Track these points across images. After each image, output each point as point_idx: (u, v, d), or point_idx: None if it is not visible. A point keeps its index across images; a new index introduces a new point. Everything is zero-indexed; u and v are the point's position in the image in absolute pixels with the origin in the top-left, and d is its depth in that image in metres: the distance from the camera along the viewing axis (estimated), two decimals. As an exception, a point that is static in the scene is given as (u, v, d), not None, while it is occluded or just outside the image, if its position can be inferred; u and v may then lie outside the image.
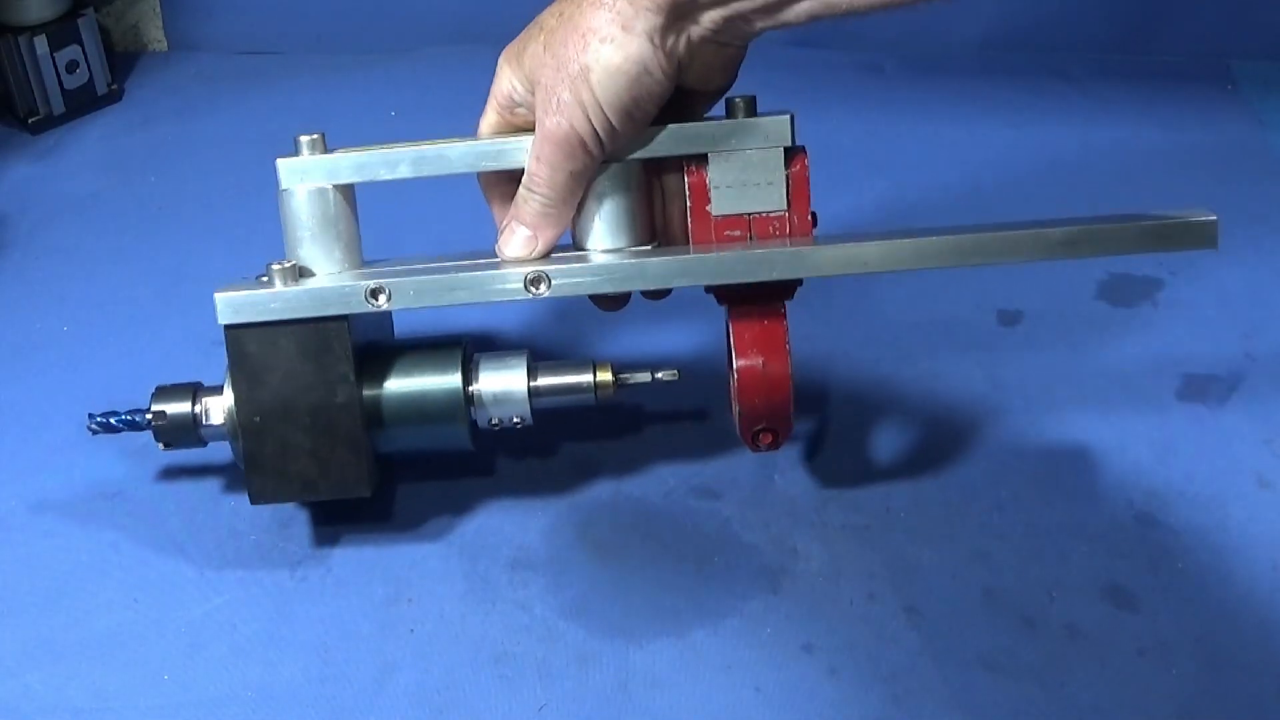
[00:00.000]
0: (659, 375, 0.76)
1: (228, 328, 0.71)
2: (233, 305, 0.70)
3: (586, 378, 0.75)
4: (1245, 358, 0.89)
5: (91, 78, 1.19)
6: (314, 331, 0.70)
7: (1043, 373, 0.88)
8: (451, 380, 0.74)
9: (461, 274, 0.69)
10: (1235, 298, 0.95)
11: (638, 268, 0.69)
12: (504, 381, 0.74)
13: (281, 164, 0.71)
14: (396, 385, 0.74)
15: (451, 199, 0.82)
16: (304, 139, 0.71)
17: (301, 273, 0.71)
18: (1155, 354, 0.90)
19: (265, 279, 0.71)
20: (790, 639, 0.72)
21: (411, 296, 0.69)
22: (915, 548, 0.77)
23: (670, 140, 0.69)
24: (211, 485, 0.82)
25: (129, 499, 0.81)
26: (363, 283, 0.69)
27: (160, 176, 1.12)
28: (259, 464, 0.72)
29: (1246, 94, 1.18)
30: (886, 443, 0.83)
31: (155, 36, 1.30)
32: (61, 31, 1.15)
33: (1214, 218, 0.68)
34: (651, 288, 0.71)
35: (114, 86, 1.22)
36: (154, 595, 0.76)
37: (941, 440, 0.83)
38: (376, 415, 0.74)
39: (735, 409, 0.73)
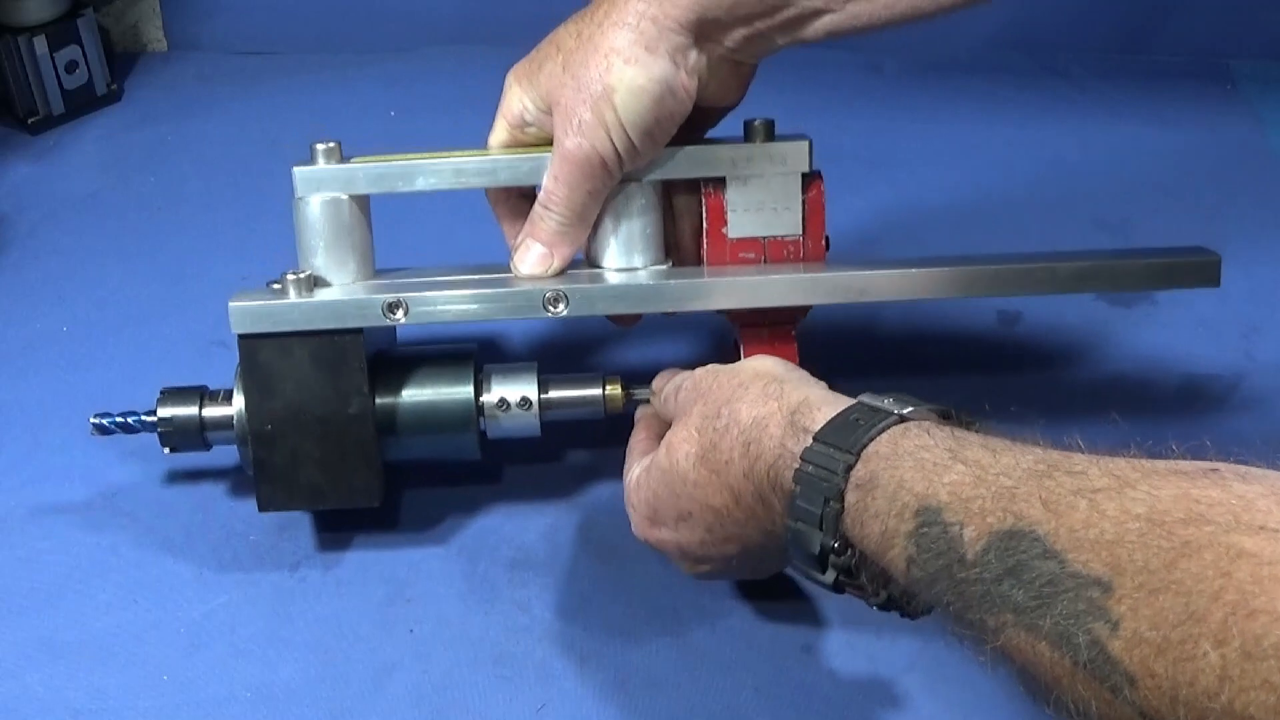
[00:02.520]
0: None
1: (242, 336, 0.70)
2: (248, 315, 0.69)
3: (595, 391, 0.76)
4: (1245, 358, 0.89)
5: (91, 78, 1.19)
6: (329, 343, 0.70)
7: (1043, 372, 0.88)
8: (463, 392, 0.74)
9: (480, 290, 0.69)
10: (1235, 298, 0.95)
11: (654, 290, 0.70)
12: (514, 394, 0.74)
13: (298, 173, 0.70)
14: (409, 396, 0.74)
15: (459, 201, 0.82)
16: (320, 147, 0.71)
17: (316, 282, 0.71)
18: (1155, 354, 0.90)
19: (278, 286, 0.70)
20: (790, 639, 0.72)
21: (429, 313, 0.69)
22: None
23: (689, 163, 0.70)
24: (211, 486, 0.82)
25: (129, 499, 0.81)
26: (380, 296, 0.69)
27: (160, 176, 1.12)
28: (268, 472, 0.73)
29: (1246, 94, 1.18)
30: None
31: (155, 36, 1.30)
32: (61, 31, 1.15)
33: (1217, 257, 0.71)
34: (666, 310, 0.72)
35: (113, 86, 1.22)
36: (154, 595, 0.76)
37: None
38: (388, 425, 0.74)
39: None
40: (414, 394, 0.74)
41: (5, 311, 0.98)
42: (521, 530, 0.79)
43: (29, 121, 1.17)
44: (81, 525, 0.80)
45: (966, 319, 0.94)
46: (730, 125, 0.73)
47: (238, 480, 0.81)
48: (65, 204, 1.09)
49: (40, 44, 1.14)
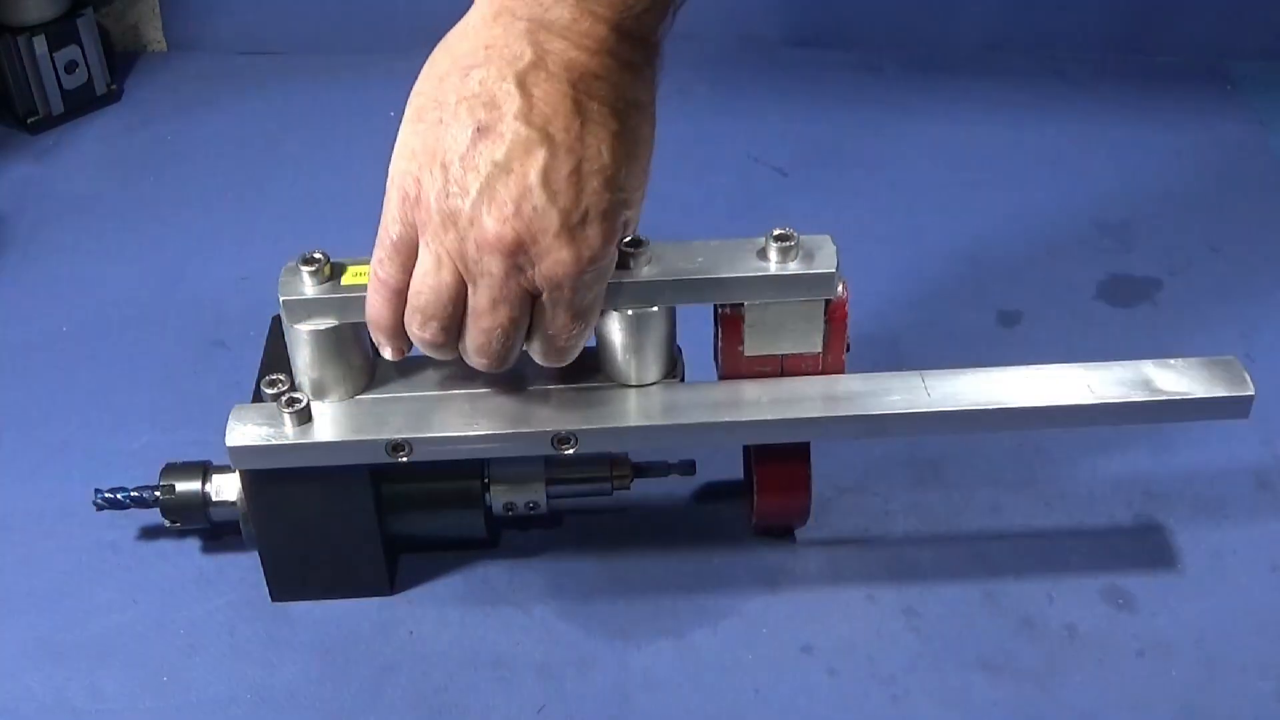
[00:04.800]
0: (675, 472, 0.77)
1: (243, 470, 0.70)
2: (247, 455, 0.68)
3: (603, 471, 0.75)
4: (1245, 358, 0.89)
5: (90, 78, 1.19)
6: (332, 476, 0.69)
7: (1043, 373, 0.88)
8: (475, 519, 0.74)
9: (488, 429, 0.67)
10: (1235, 298, 0.95)
11: (667, 432, 0.68)
12: (522, 499, 0.74)
13: (285, 302, 0.66)
14: (419, 519, 0.74)
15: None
16: (305, 269, 0.66)
17: (315, 392, 0.69)
18: (1155, 354, 0.89)
19: (273, 396, 0.68)
20: (790, 639, 0.72)
21: (435, 452, 0.68)
22: (915, 548, 0.77)
23: (706, 290, 0.67)
24: (211, 485, 0.82)
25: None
26: (384, 436, 0.67)
27: (160, 176, 1.12)
28: (278, 572, 0.74)
29: (1246, 94, 1.18)
30: (886, 442, 0.83)
31: (154, 37, 1.30)
32: (61, 31, 1.15)
33: (1251, 393, 0.70)
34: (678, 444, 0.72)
35: (113, 86, 1.21)
36: (154, 595, 0.76)
37: (941, 440, 0.83)
38: (399, 539, 0.75)
39: (752, 520, 0.76)
40: (424, 516, 0.74)
41: (5, 311, 0.98)
42: (522, 531, 0.79)
43: (29, 121, 1.17)
44: (81, 525, 0.79)
45: (967, 319, 0.94)
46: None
47: (238, 480, 0.81)
48: (65, 204, 1.09)
49: (40, 44, 1.14)
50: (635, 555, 0.77)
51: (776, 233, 0.66)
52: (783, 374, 0.70)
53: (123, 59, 1.27)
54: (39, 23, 1.14)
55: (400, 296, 0.62)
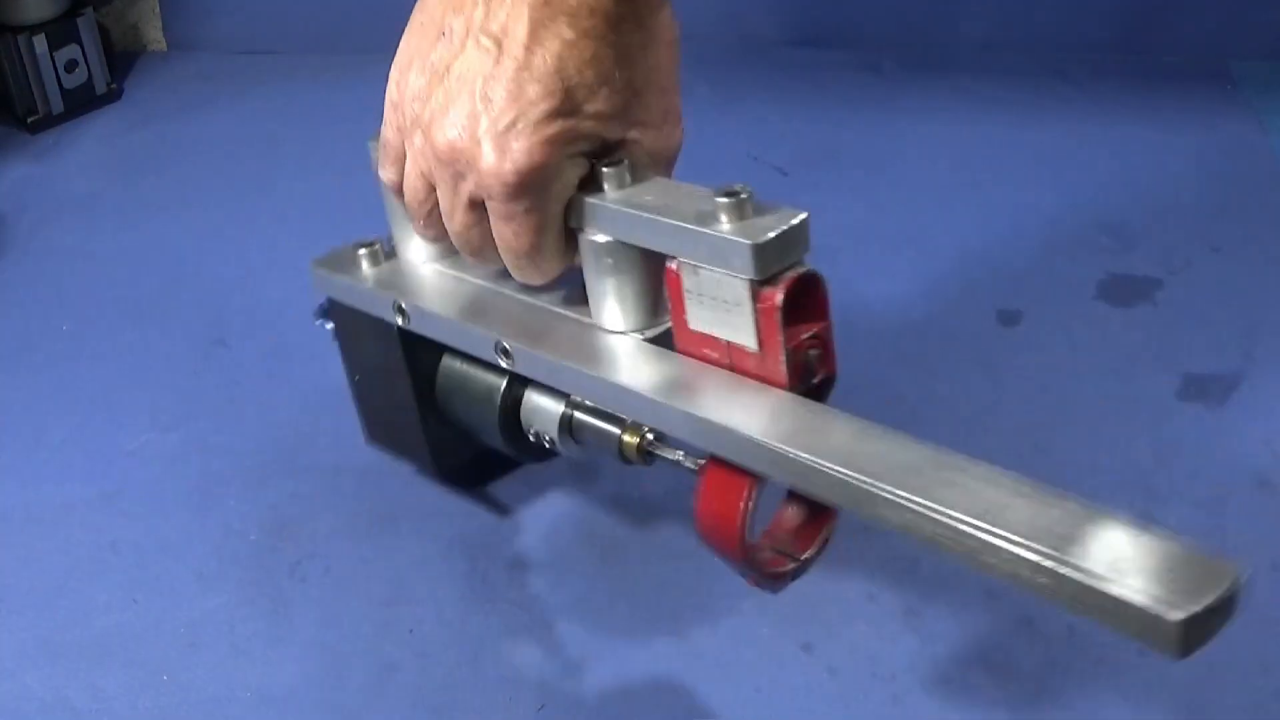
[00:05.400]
0: (685, 463, 0.69)
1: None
2: (319, 279, 0.74)
3: (615, 430, 0.69)
4: (1245, 358, 0.89)
5: (90, 77, 1.19)
6: (371, 320, 0.72)
7: (1043, 373, 0.88)
8: (490, 414, 0.72)
9: (446, 317, 0.68)
10: (1235, 297, 0.95)
11: (576, 377, 0.63)
12: (545, 404, 0.71)
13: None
14: (447, 399, 0.73)
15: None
16: None
17: (390, 253, 0.73)
18: (1155, 354, 0.90)
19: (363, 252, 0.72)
20: (790, 639, 0.72)
21: (423, 325, 0.69)
22: (915, 548, 0.77)
23: (643, 231, 0.59)
24: (211, 485, 0.82)
25: (129, 499, 0.81)
26: (391, 295, 0.70)
27: (160, 176, 1.12)
28: (365, 413, 0.78)
29: (1246, 94, 1.18)
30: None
31: (154, 36, 1.30)
32: (61, 31, 1.15)
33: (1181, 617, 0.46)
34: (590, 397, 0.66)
35: (113, 86, 1.22)
36: (153, 595, 0.76)
37: (941, 440, 0.83)
38: (436, 414, 0.74)
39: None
40: (452, 399, 0.73)
41: (5, 311, 0.98)
42: (521, 530, 0.79)
43: (29, 121, 1.17)
44: (81, 525, 0.80)
45: (966, 319, 0.94)
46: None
47: (237, 478, 0.82)
48: (65, 203, 1.09)
49: (40, 43, 1.14)
50: (636, 555, 0.77)
51: (723, 187, 0.56)
52: (731, 367, 0.59)
53: (123, 59, 1.27)
54: (39, 22, 1.14)
55: (400, 195, 0.66)
